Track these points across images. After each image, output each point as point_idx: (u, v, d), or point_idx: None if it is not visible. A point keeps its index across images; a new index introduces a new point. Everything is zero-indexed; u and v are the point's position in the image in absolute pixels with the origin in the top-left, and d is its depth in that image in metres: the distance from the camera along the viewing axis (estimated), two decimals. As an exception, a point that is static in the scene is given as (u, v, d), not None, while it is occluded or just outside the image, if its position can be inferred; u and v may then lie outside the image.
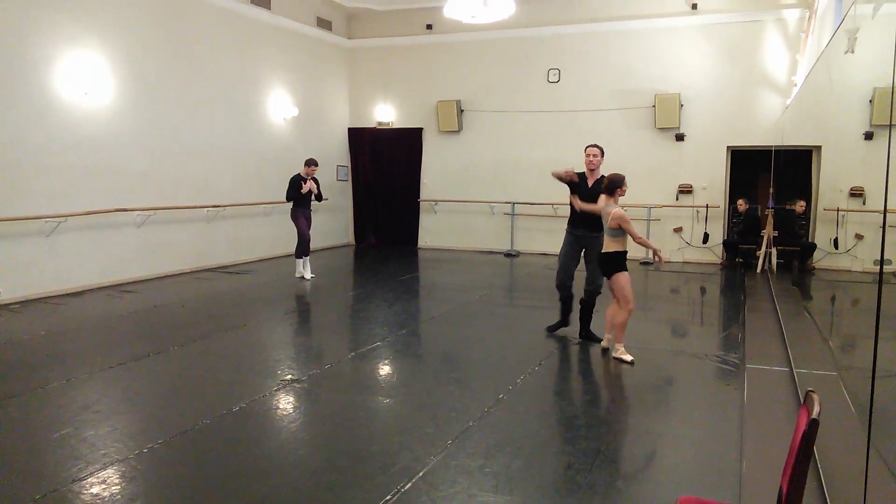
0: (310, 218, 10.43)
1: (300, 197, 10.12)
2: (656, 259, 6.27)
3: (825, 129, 9.22)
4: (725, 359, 6.21)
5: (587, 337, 6.88)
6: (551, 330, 7.15)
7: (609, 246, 6.21)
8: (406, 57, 14.57)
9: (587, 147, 6.90)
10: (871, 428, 3.08)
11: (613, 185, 6.17)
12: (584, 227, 6.81)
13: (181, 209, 10.55)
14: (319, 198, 10.41)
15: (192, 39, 10.77)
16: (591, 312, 6.91)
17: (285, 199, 10.17)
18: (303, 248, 10.23)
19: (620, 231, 6.10)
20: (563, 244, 7.04)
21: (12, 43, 8.13)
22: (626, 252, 6.22)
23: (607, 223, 6.16)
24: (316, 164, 10.22)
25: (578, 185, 6.77)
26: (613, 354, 6.22)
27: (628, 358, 6.10)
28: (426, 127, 14.53)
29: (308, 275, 10.31)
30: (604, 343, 6.40)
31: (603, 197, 6.34)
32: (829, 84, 7.43)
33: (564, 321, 7.12)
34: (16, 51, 8.18)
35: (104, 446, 4.05)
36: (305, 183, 10.00)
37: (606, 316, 6.48)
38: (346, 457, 3.97)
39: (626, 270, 6.23)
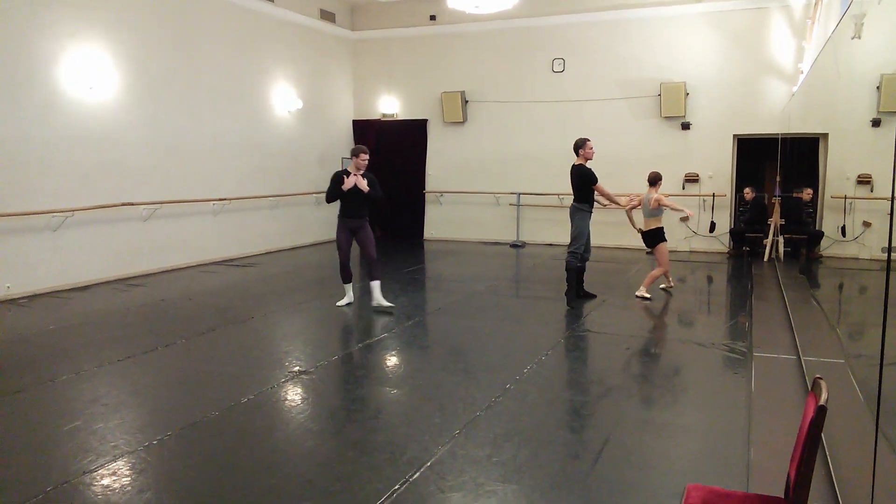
0: (360, 230, 7.69)
1: (344, 199, 7.57)
2: (686, 217, 9.03)
3: (832, 117, 9.17)
4: (733, 347, 6.20)
5: (586, 296, 8.31)
6: (573, 304, 7.99)
7: (650, 224, 8.35)
8: (410, 48, 14.53)
9: (588, 140, 8.08)
10: (880, 415, 3.08)
11: (657, 179, 8.43)
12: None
13: (187, 203, 10.57)
14: (377, 199, 7.79)
15: (196, 33, 10.76)
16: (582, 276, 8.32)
17: (326, 201, 7.77)
18: (342, 271, 7.90)
19: (659, 211, 8.25)
20: (585, 224, 8.06)
21: (17, 39, 8.14)
22: (663, 227, 8.39)
23: (649, 206, 8.26)
24: (364, 153, 7.61)
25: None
26: (636, 293, 8.30)
27: (648, 294, 8.25)
28: (431, 118, 14.50)
29: (343, 301, 8.00)
30: (665, 285, 8.76)
31: (648, 188, 8.42)
32: (835, 71, 7.39)
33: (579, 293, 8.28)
34: (20, 46, 8.19)
35: (114, 439, 4.08)
36: (348, 178, 7.45)
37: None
38: (354, 447, 3.99)
39: (665, 241, 8.39)
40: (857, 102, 7.63)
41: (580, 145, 8.06)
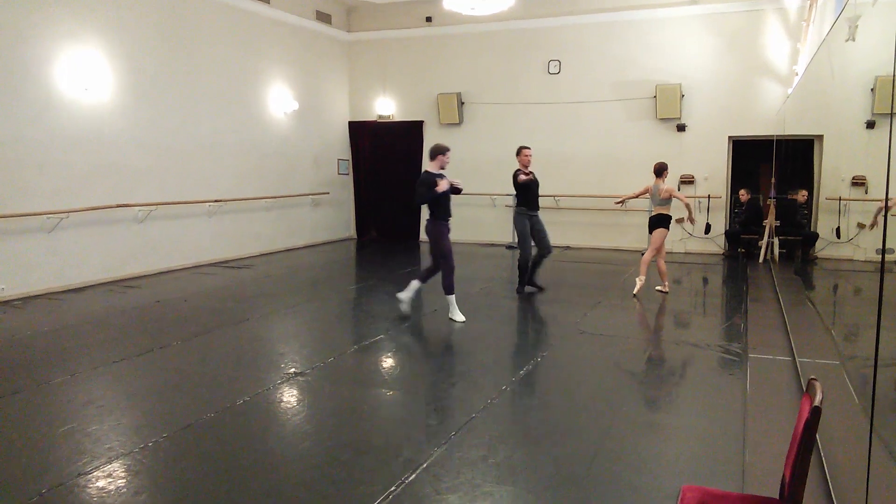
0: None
1: (440, 201, 7.20)
2: (689, 220, 9.00)
3: (827, 119, 9.19)
4: (728, 348, 6.21)
5: (532, 284, 8.77)
6: (521, 291, 8.77)
7: (658, 210, 8.62)
8: (406, 50, 14.53)
9: (525, 148, 8.80)
10: (874, 416, 3.09)
11: (663, 169, 8.64)
12: (537, 208, 8.71)
13: (182, 204, 10.55)
14: (458, 191, 7.50)
15: (192, 34, 10.75)
16: (536, 268, 8.79)
17: (416, 204, 7.52)
18: (452, 279, 7.31)
19: (668, 201, 8.54)
20: (523, 226, 8.60)
21: (12, 40, 8.12)
22: (670, 216, 8.64)
23: (659, 196, 8.55)
24: (448, 151, 7.37)
25: (532, 179, 8.64)
26: (636, 279, 8.66)
27: (639, 283, 8.57)
28: (427, 120, 14.50)
29: (459, 316, 7.22)
30: (661, 288, 8.82)
31: (654, 179, 8.68)
32: (830, 73, 7.41)
33: (538, 283, 8.92)
34: (16, 47, 8.16)
35: (109, 441, 4.07)
36: (442, 180, 7.13)
37: (659, 267, 8.80)
38: (350, 449, 3.98)
39: (667, 229, 8.62)
40: (851, 104, 7.65)
41: (517, 153, 8.79)
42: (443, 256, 7.20)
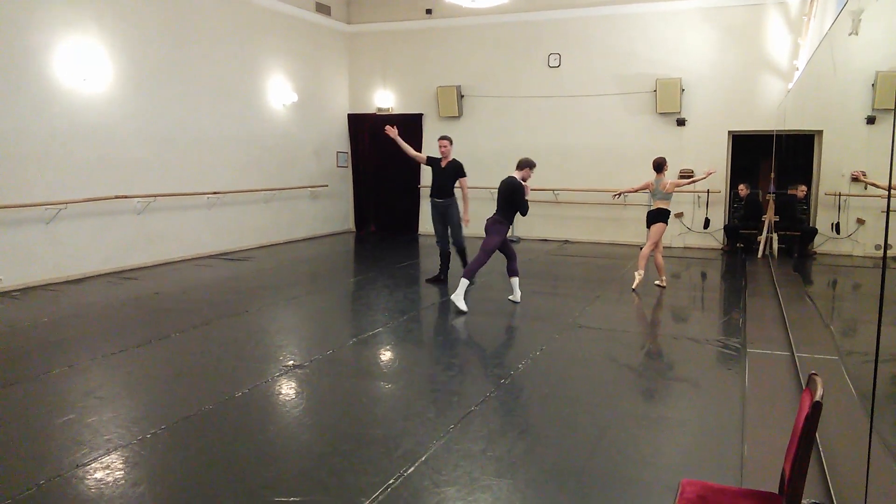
0: None
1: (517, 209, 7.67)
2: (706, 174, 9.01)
3: (827, 114, 9.19)
4: (727, 343, 6.22)
5: (437, 276, 9.03)
6: (432, 281, 9.03)
7: (658, 205, 8.61)
8: (406, 42, 14.48)
9: (440, 139, 8.94)
10: (874, 412, 3.09)
11: (663, 164, 8.56)
12: (439, 195, 8.88)
13: (181, 196, 10.53)
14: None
15: (191, 25, 10.70)
16: (466, 256, 8.95)
17: (525, 214, 7.60)
18: (476, 270, 7.64)
19: (669, 196, 8.56)
20: (433, 213, 8.99)
21: (10, 30, 8.07)
22: (669, 211, 8.65)
23: (662, 191, 8.55)
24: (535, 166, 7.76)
25: (434, 165, 8.94)
26: (635, 272, 8.67)
27: (638, 278, 8.58)
28: (426, 112, 14.47)
29: (461, 303, 7.35)
30: (659, 283, 8.81)
31: (654, 174, 8.62)
32: (831, 68, 7.40)
33: (442, 276, 9.04)
34: (14, 38, 8.11)
35: (107, 432, 4.07)
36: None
37: (656, 261, 8.74)
38: (349, 441, 3.99)
39: (665, 224, 8.59)
40: (852, 99, 7.65)
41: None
42: (487, 250, 7.49)
